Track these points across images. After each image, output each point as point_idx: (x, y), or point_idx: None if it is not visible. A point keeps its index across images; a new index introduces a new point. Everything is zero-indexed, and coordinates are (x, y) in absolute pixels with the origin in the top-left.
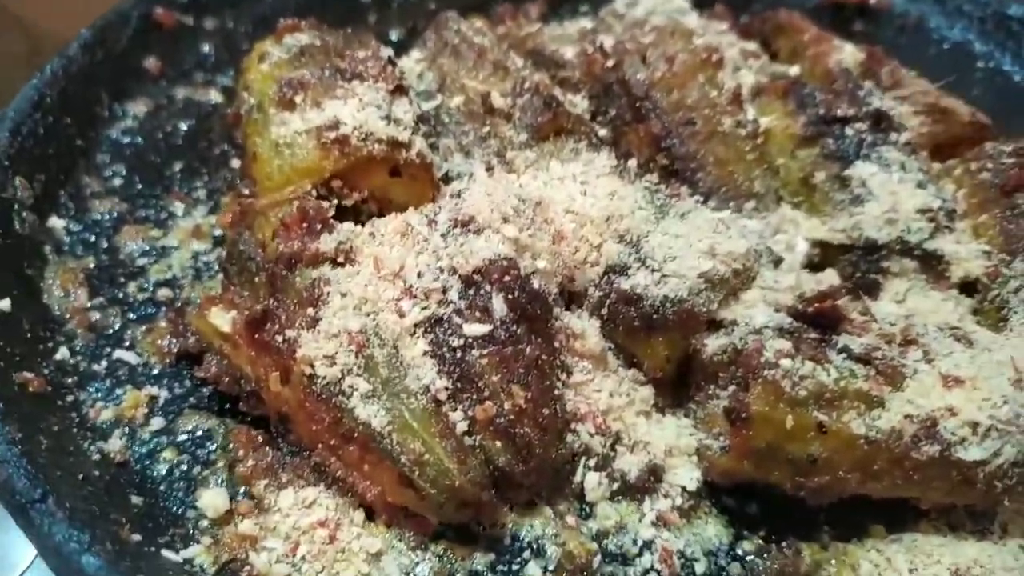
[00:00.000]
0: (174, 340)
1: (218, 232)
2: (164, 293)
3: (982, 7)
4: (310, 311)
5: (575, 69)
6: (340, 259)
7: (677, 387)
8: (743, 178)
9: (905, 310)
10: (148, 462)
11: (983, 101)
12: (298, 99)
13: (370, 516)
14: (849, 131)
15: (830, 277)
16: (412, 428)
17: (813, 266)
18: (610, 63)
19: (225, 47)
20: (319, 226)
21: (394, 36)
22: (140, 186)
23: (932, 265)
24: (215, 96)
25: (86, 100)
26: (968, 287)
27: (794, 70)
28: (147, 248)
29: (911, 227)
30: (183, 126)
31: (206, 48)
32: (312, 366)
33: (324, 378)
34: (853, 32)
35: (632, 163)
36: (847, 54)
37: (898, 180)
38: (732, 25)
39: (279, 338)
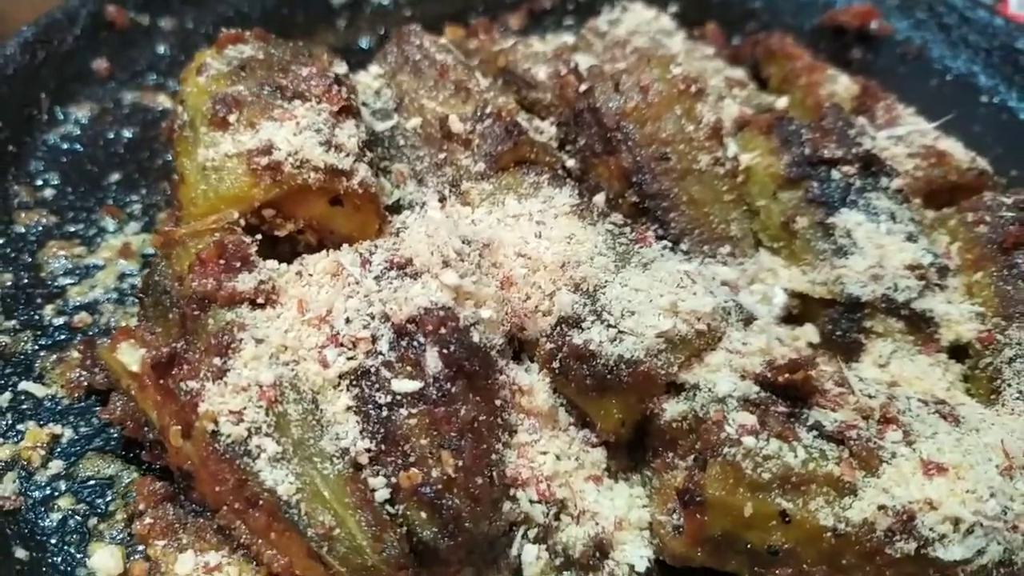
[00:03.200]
0: (83, 373)
1: (149, 251)
2: (82, 318)
3: (989, 38)
4: (217, 360)
5: (547, 91)
6: (260, 300)
7: (633, 449)
8: (719, 220)
9: (888, 375)
10: (41, 510)
11: (985, 138)
12: (232, 118)
13: None
14: (836, 174)
15: (809, 333)
16: (323, 497)
17: (791, 318)
18: (583, 87)
19: (182, 48)
20: (238, 263)
21: (364, 43)
22: (72, 198)
23: (920, 327)
24: (164, 101)
25: (23, 102)
26: (958, 351)
27: (782, 101)
28: (70, 267)
29: (898, 284)
30: (127, 133)
31: (161, 49)
32: (216, 422)
33: (229, 436)
34: (851, 59)
35: (598, 199)
36: (841, 86)
37: (886, 231)
38: (722, 47)
39: (184, 386)
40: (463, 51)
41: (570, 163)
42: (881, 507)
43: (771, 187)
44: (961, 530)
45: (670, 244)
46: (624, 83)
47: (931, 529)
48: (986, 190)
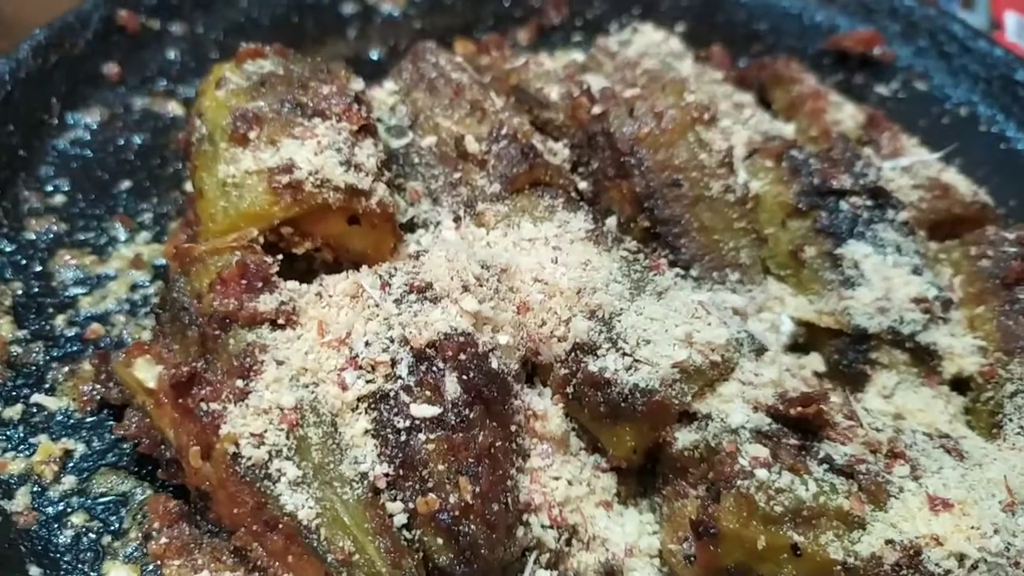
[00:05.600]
0: (97, 387)
1: (160, 262)
2: (95, 329)
3: (988, 68)
4: (240, 382)
5: (559, 111)
6: (281, 320)
7: (643, 475)
8: (729, 247)
9: (893, 407)
10: (55, 526)
11: (984, 167)
12: (252, 135)
13: None
14: (844, 205)
15: (815, 362)
16: (343, 523)
17: (797, 346)
18: (597, 109)
19: (192, 54)
20: (260, 283)
21: (374, 55)
22: (83, 205)
23: (924, 359)
24: (175, 108)
25: (33, 107)
26: (960, 384)
27: (789, 129)
28: (82, 276)
29: (904, 317)
30: (137, 140)
31: (172, 55)
32: (237, 445)
33: (249, 459)
34: (853, 85)
35: (611, 221)
36: (846, 114)
37: (892, 264)
38: (728, 69)
39: (204, 407)
40: (474, 66)
41: (582, 185)
42: (889, 541)
43: (780, 215)
44: (966, 566)
45: (682, 272)
46: (638, 108)
47: (937, 564)
48: (989, 223)
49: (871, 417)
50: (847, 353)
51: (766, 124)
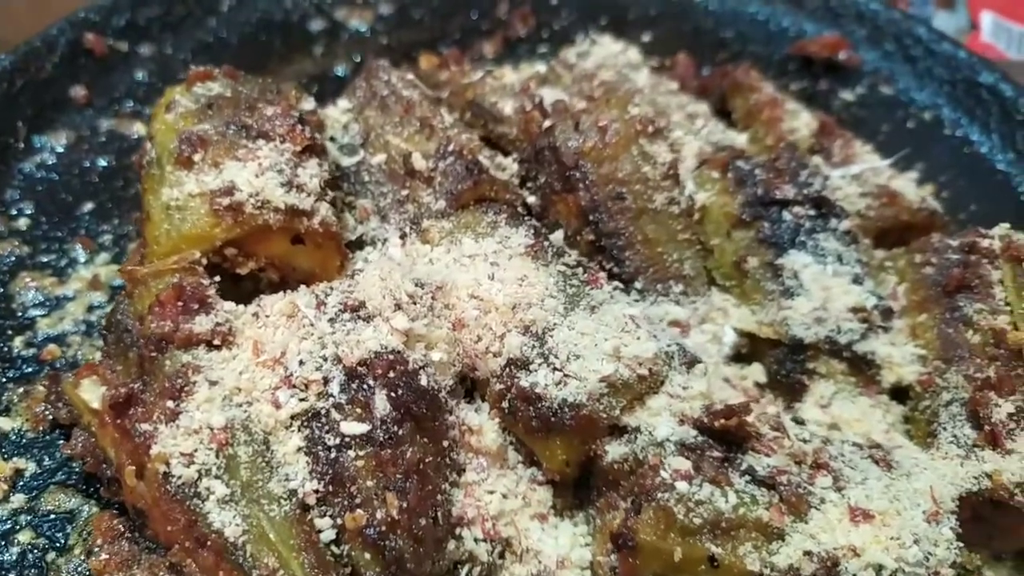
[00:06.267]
0: (48, 407)
1: (117, 283)
2: (51, 350)
3: (953, 71)
4: (171, 403)
5: (513, 125)
6: (216, 341)
7: (579, 488)
8: (672, 259)
9: (829, 417)
10: (2, 543)
11: (947, 172)
12: (197, 157)
13: None
14: (787, 215)
15: (756, 372)
16: (268, 539)
17: (741, 357)
18: (548, 123)
19: (160, 75)
20: (196, 305)
21: (340, 71)
22: (46, 227)
23: (862, 368)
24: (140, 129)
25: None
26: (900, 393)
27: (742, 139)
28: (41, 298)
29: (841, 327)
30: (101, 162)
31: (140, 75)
32: (168, 464)
33: (179, 478)
34: (817, 90)
35: (556, 236)
36: (802, 122)
37: (832, 273)
38: (692, 77)
39: (139, 427)
40: (434, 82)
41: (531, 199)
42: (807, 553)
43: (725, 226)
44: None
45: (621, 285)
46: (584, 122)
47: (854, 575)
48: (937, 230)
49: (803, 428)
50: (785, 363)
51: (718, 135)
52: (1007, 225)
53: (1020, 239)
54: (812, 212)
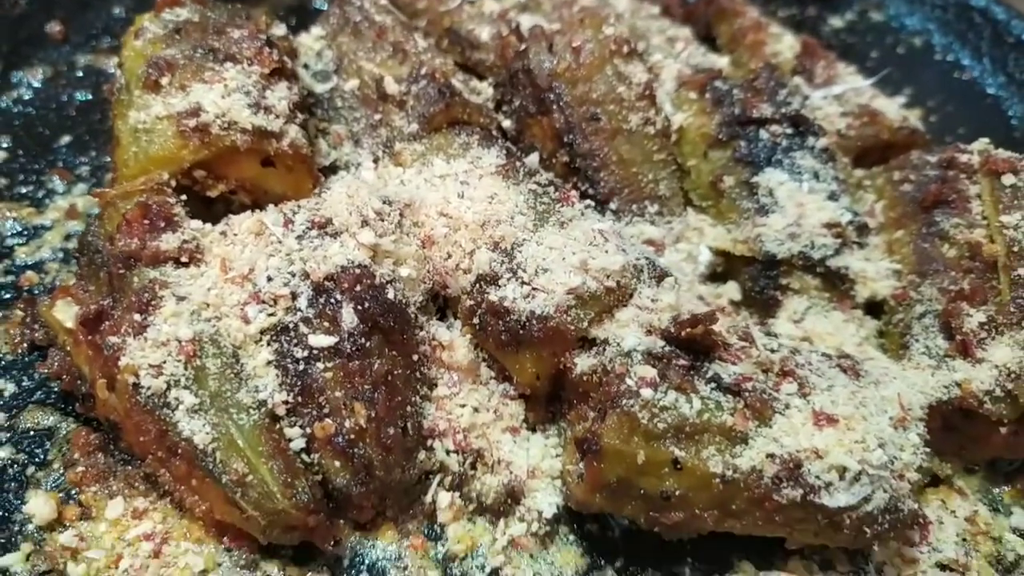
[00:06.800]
0: (25, 330)
1: (95, 211)
2: (28, 277)
3: None
4: (138, 317)
5: (490, 52)
6: (184, 259)
7: (551, 402)
8: (647, 179)
9: (802, 332)
10: None
11: (937, 96)
12: (164, 81)
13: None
14: (764, 134)
15: (731, 290)
16: (237, 446)
17: (716, 276)
18: (523, 47)
19: (136, 9)
20: (163, 224)
21: (318, 3)
22: (23, 160)
23: (835, 284)
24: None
25: None
26: (875, 308)
27: (723, 61)
28: (19, 228)
29: (815, 242)
30: (79, 96)
31: (117, 10)
32: (137, 375)
33: (149, 389)
34: (806, 17)
35: (532, 159)
36: (785, 45)
37: (808, 190)
38: (678, 4)
39: (109, 340)
40: (412, 11)
41: (506, 124)
42: (770, 455)
43: (702, 146)
44: (847, 478)
45: (594, 204)
46: (557, 43)
47: (817, 477)
48: (917, 148)
49: (769, 340)
50: (759, 280)
51: (698, 57)
52: (987, 140)
53: (999, 154)
54: (789, 131)
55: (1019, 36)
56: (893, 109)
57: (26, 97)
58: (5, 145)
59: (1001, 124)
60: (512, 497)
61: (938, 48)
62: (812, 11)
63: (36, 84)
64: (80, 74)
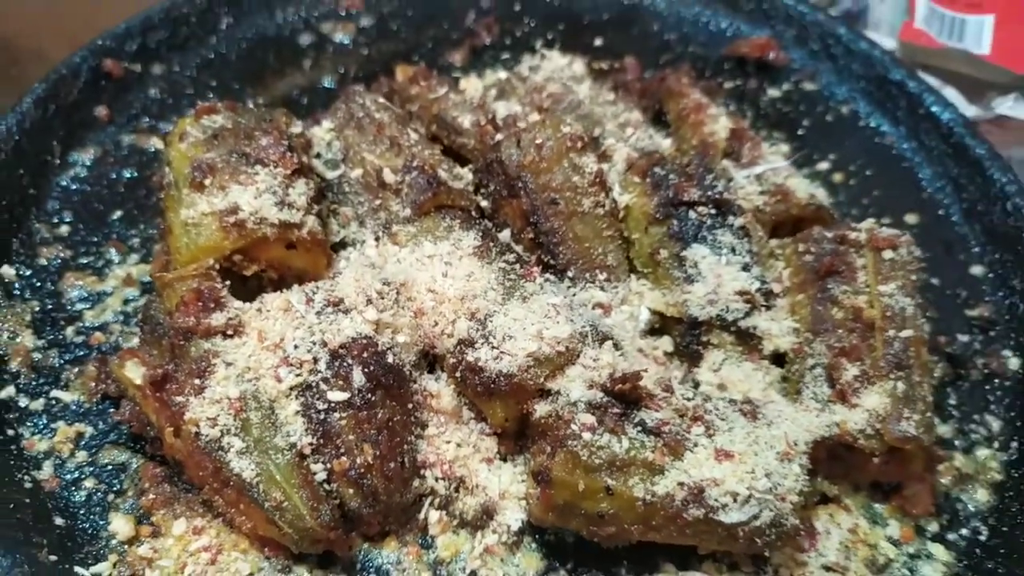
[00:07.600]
0: (99, 384)
1: (146, 279)
2: (97, 336)
3: (868, 68)
4: (197, 381)
5: (471, 137)
6: (229, 332)
7: (520, 437)
8: (598, 252)
9: (719, 379)
10: (72, 489)
11: (859, 160)
12: (207, 182)
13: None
14: (692, 214)
15: (665, 344)
16: (276, 480)
17: (654, 331)
18: (498, 137)
19: (170, 92)
20: (212, 304)
21: (327, 83)
22: (84, 233)
23: (746, 340)
24: (156, 143)
25: (38, 151)
26: (779, 359)
27: (667, 143)
28: (85, 294)
29: (729, 307)
30: (126, 174)
31: (153, 92)
32: (198, 426)
33: (207, 436)
34: (748, 88)
35: (504, 235)
36: (720, 126)
37: (725, 263)
38: (637, 79)
39: (174, 399)
40: (407, 96)
41: (484, 203)
42: (680, 483)
43: (643, 223)
44: (739, 500)
45: (554, 277)
46: (524, 140)
47: (716, 500)
48: (824, 222)
49: (689, 389)
50: (686, 336)
51: (645, 140)
52: (872, 220)
53: (881, 232)
54: (713, 211)
55: (929, 107)
56: (803, 187)
57: (82, 175)
58: (68, 220)
59: (912, 186)
60: (487, 514)
61: (862, 115)
62: (753, 83)
63: (88, 163)
64: (125, 152)
